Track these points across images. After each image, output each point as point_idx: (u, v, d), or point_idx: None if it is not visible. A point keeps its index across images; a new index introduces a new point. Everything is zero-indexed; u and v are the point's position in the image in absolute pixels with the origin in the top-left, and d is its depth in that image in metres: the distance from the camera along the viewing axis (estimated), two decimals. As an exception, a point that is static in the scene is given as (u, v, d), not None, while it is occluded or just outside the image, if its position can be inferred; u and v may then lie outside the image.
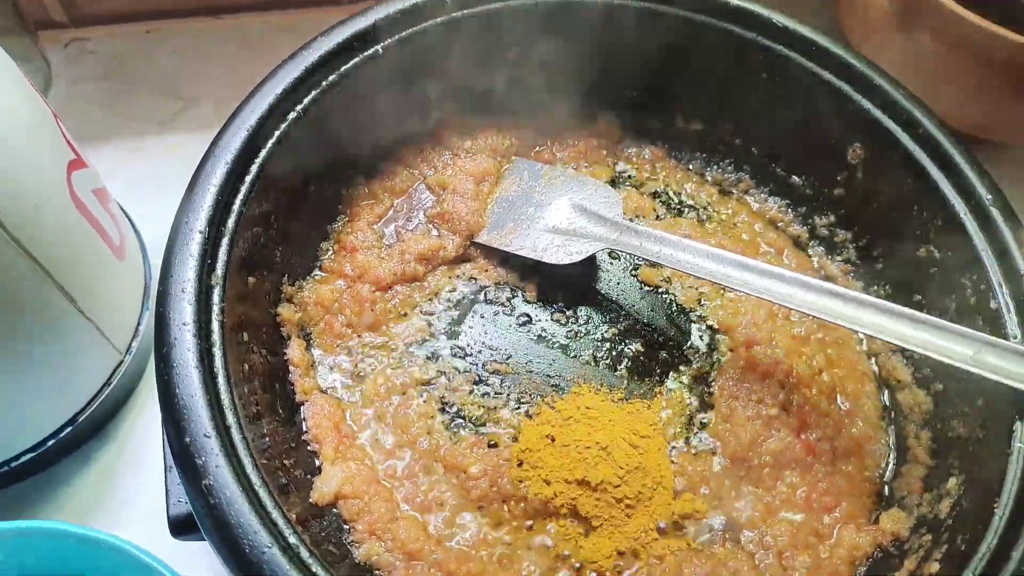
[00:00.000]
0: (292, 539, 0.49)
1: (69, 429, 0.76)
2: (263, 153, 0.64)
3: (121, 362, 0.79)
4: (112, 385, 0.78)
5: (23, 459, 0.74)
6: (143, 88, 1.09)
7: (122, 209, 0.86)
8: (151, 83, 1.09)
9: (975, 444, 0.63)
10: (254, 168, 0.63)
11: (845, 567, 0.64)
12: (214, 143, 0.62)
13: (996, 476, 0.58)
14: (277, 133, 0.65)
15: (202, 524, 0.49)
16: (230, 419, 0.52)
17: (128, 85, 1.09)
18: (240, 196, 0.61)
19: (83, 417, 0.77)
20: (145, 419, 0.84)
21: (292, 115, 0.66)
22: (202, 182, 0.60)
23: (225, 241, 0.59)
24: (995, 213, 0.67)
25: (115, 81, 1.09)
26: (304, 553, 0.49)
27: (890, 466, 0.70)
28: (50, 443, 0.75)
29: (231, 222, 0.60)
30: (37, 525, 0.61)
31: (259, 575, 0.47)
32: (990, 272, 0.65)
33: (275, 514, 0.50)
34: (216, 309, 0.56)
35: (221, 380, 0.54)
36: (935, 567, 0.57)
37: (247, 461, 0.51)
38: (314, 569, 0.49)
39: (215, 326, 0.56)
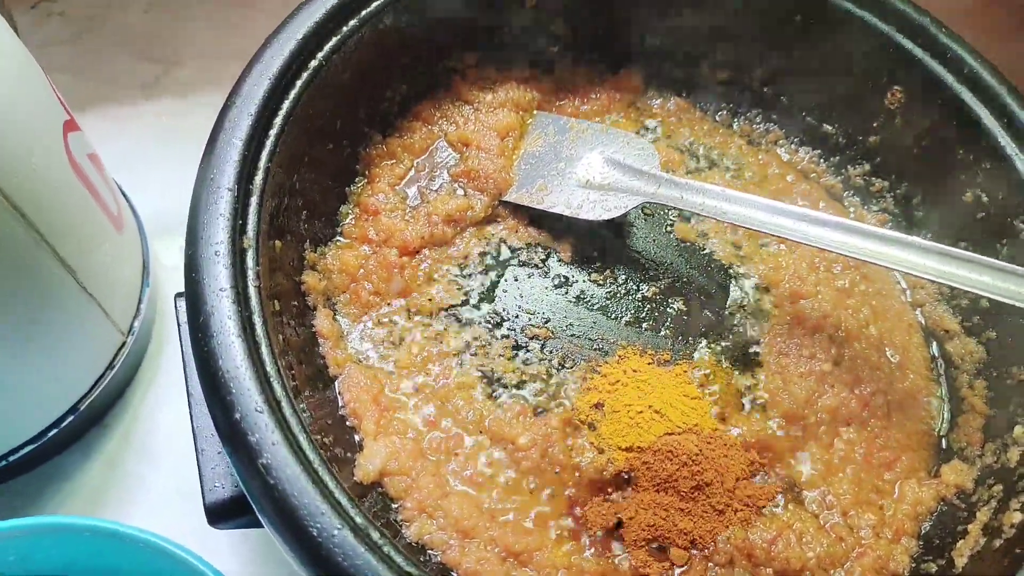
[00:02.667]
0: (360, 520, 0.45)
1: (72, 417, 0.70)
2: (286, 105, 0.58)
3: (124, 343, 0.74)
4: (115, 368, 0.73)
5: (24, 451, 0.68)
6: (118, 51, 1.01)
7: (115, 182, 0.80)
8: (126, 45, 1.02)
9: (1042, 390, 0.61)
10: (278, 121, 0.58)
11: (910, 523, 0.62)
12: (234, 93, 0.57)
13: (1072, 420, 0.56)
14: (299, 83, 0.60)
15: (260, 508, 0.45)
16: (279, 392, 0.48)
17: (102, 48, 1.01)
18: (265, 151, 0.56)
19: (86, 404, 0.71)
20: (147, 407, 0.78)
21: (313, 63, 0.61)
22: (225, 136, 0.54)
23: (254, 200, 0.54)
24: (1048, 153, 0.65)
25: (87, 44, 1.02)
26: (375, 534, 0.45)
27: (945, 418, 0.68)
28: (52, 432, 0.69)
29: (259, 179, 0.55)
30: (52, 521, 0.56)
31: (330, 560, 0.42)
32: (1045, 214, 0.64)
33: (338, 493, 0.45)
34: (252, 274, 0.51)
35: (265, 350, 0.49)
36: (1017, 517, 0.56)
37: (302, 437, 0.47)
38: (386, 550, 0.44)
39: (252, 292, 0.51)
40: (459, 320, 0.68)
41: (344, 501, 0.45)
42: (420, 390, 0.64)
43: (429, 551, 0.56)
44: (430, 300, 0.68)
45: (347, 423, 0.61)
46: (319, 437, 0.54)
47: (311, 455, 0.46)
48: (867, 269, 0.74)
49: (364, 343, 0.66)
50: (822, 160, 0.80)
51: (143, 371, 0.79)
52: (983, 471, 0.63)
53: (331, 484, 0.46)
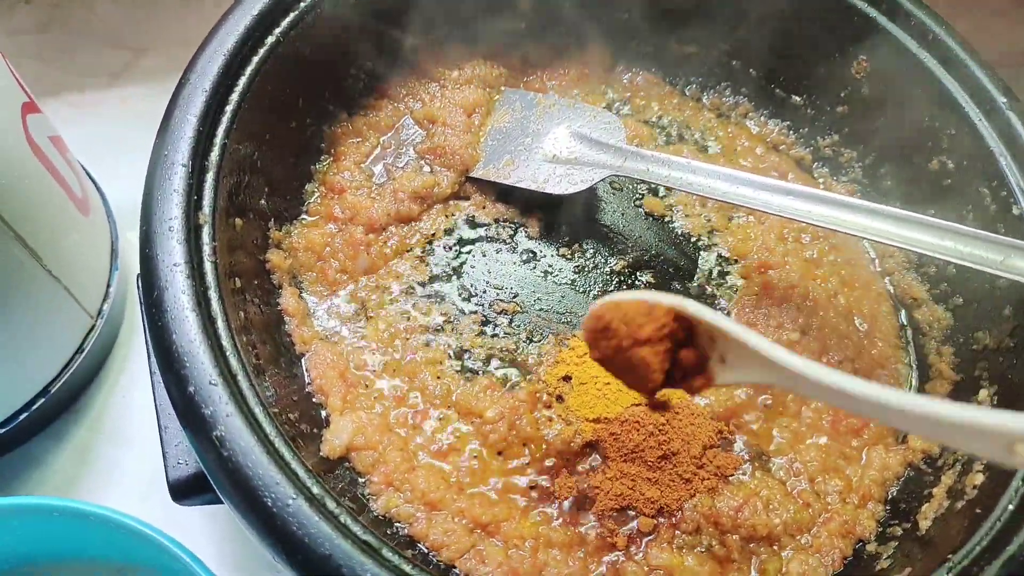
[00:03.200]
0: (316, 489, 0.45)
1: (42, 401, 0.70)
2: (242, 81, 0.58)
3: (93, 326, 0.73)
4: (85, 352, 0.72)
5: (-7, 436, 0.68)
6: (86, 40, 1.01)
7: (82, 166, 0.79)
8: (95, 34, 1.01)
9: (1005, 353, 0.61)
10: (234, 97, 0.57)
11: (877, 488, 0.62)
12: (189, 70, 0.56)
13: (1033, 381, 0.56)
14: (255, 59, 0.59)
15: (215, 480, 0.45)
16: (235, 366, 0.48)
17: (70, 37, 1.01)
18: (222, 128, 0.56)
19: (56, 387, 0.71)
20: (118, 391, 0.78)
21: (270, 39, 0.60)
22: (180, 112, 0.54)
23: (210, 176, 0.54)
24: (1012, 116, 0.65)
25: (55, 33, 1.01)
26: (331, 503, 0.45)
27: (913, 385, 0.68)
28: (22, 417, 0.69)
29: (215, 155, 0.55)
30: (19, 502, 0.56)
31: (284, 530, 0.42)
32: (1010, 178, 0.64)
33: (294, 464, 0.45)
34: (207, 250, 0.51)
35: (221, 325, 0.49)
36: (979, 478, 0.56)
37: (258, 410, 0.47)
38: (343, 519, 0.44)
39: (208, 267, 0.51)
40: (427, 296, 0.67)
41: (301, 472, 0.45)
42: (387, 366, 0.64)
43: (396, 524, 0.56)
44: (397, 277, 0.68)
45: (314, 400, 0.61)
46: (283, 413, 0.54)
47: (267, 427, 0.46)
48: (836, 239, 0.74)
49: (331, 320, 0.65)
50: (791, 132, 0.80)
51: (115, 354, 0.79)
52: (949, 435, 0.63)
53: (288, 455, 0.46)
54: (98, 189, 0.81)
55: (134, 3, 1.03)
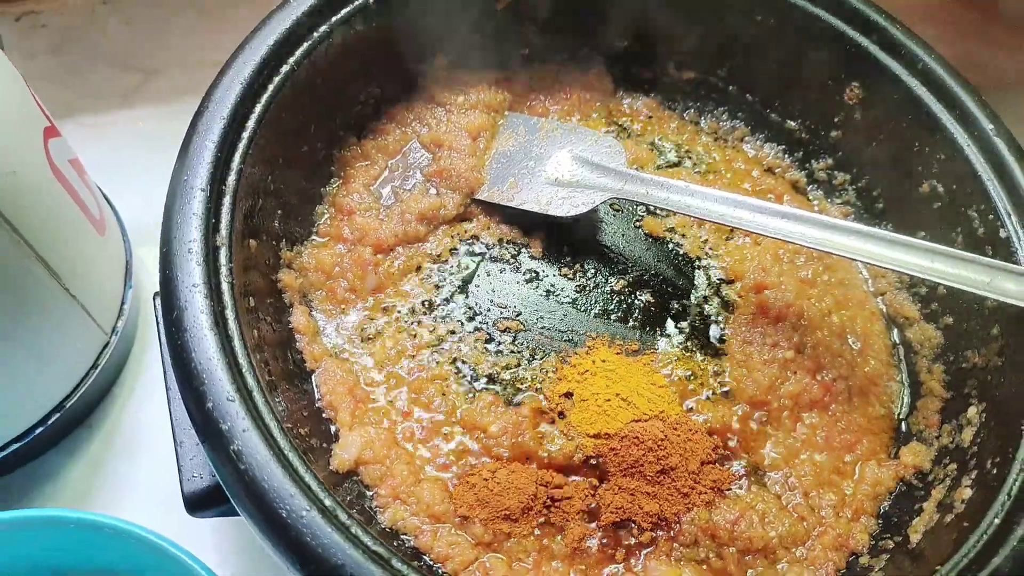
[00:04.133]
0: (328, 501, 0.47)
1: (57, 416, 0.72)
2: (258, 108, 0.61)
3: (107, 343, 0.76)
4: (99, 368, 0.74)
5: (9, 450, 0.70)
6: (100, 62, 1.04)
7: (98, 187, 0.82)
8: (107, 56, 1.04)
9: (993, 372, 0.63)
10: (250, 124, 0.60)
11: (870, 502, 0.64)
12: (207, 98, 0.59)
13: (1019, 398, 0.58)
14: (271, 87, 0.62)
15: (232, 493, 0.47)
16: (251, 383, 0.50)
17: (83, 59, 1.03)
18: (239, 153, 0.58)
19: (71, 402, 0.73)
20: (132, 405, 0.80)
21: (285, 68, 0.63)
22: (199, 138, 0.56)
23: (227, 200, 0.56)
24: (999, 143, 0.67)
25: (69, 55, 1.04)
26: (342, 515, 0.47)
27: (905, 402, 0.70)
28: (37, 431, 0.71)
29: (231, 180, 0.57)
30: (34, 514, 0.58)
31: (299, 541, 0.44)
32: (997, 202, 0.66)
33: (308, 477, 0.47)
34: (224, 271, 0.53)
35: (237, 344, 0.51)
36: (967, 492, 0.58)
37: (273, 424, 0.49)
38: (354, 531, 0.46)
39: (225, 288, 0.53)
40: (432, 315, 0.69)
41: (314, 484, 0.47)
42: (395, 382, 0.66)
43: (403, 536, 0.58)
44: (404, 296, 0.70)
45: (323, 415, 0.63)
46: (295, 428, 0.56)
47: (282, 441, 0.48)
48: (830, 260, 0.76)
49: (340, 338, 0.68)
50: (786, 155, 0.83)
51: (127, 371, 0.81)
52: (940, 452, 0.65)
53: (301, 469, 0.47)
54: (112, 209, 0.83)
55: (145, 26, 1.06)
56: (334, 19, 0.66)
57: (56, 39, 1.05)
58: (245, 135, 0.59)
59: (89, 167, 0.82)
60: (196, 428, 0.48)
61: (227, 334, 0.51)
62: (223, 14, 1.07)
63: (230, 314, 0.52)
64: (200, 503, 0.54)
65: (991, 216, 0.66)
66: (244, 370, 0.50)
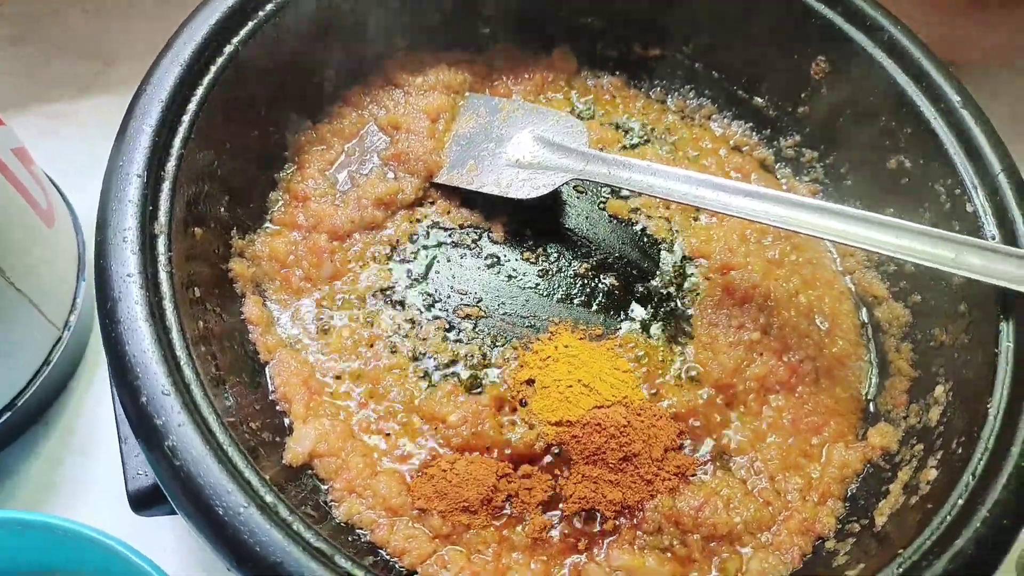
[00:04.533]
0: (269, 498, 0.45)
1: (8, 414, 0.70)
2: (199, 91, 0.58)
3: (59, 338, 0.74)
4: (51, 364, 0.73)
5: (-42, 449, 0.68)
6: (59, 51, 1.01)
7: (48, 178, 0.80)
8: (67, 45, 1.01)
9: (960, 350, 0.62)
10: (191, 107, 0.58)
11: (837, 485, 0.63)
12: (145, 81, 0.57)
13: (985, 377, 0.57)
14: (214, 69, 0.60)
15: (168, 490, 0.45)
16: (188, 375, 0.48)
17: (42, 48, 1.01)
18: (179, 138, 0.56)
19: (23, 400, 0.71)
20: (88, 402, 0.78)
21: (228, 48, 0.61)
22: (135, 123, 0.54)
23: (166, 186, 0.54)
24: (966, 115, 0.66)
25: (28, 45, 1.01)
26: (283, 511, 0.45)
27: (873, 382, 0.69)
28: (-13, 429, 0.69)
29: (171, 166, 0.55)
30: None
31: (236, 538, 0.43)
32: (964, 176, 0.65)
33: (248, 473, 0.46)
34: (163, 259, 0.52)
35: (175, 336, 0.49)
36: (932, 474, 0.57)
37: (212, 418, 0.47)
38: (295, 527, 0.45)
39: (163, 277, 0.51)
40: (391, 302, 0.68)
41: (254, 480, 0.46)
42: (351, 373, 0.64)
43: (358, 530, 0.57)
44: (361, 284, 0.68)
45: (277, 408, 0.61)
46: (244, 423, 0.55)
47: (221, 436, 0.46)
48: (798, 239, 0.74)
49: (295, 328, 0.66)
50: (754, 133, 0.81)
51: (84, 365, 0.79)
52: (907, 432, 0.64)
53: (241, 464, 0.46)
54: (65, 200, 0.81)
55: (105, 14, 1.04)
56: (280, -1, 0.64)
57: (15, 29, 1.02)
58: (186, 118, 0.57)
59: (47, 158, 0.80)
60: (131, 423, 0.46)
61: (164, 326, 0.49)
62: (183, 1, 1.05)
63: (168, 305, 0.50)
64: (145, 501, 0.52)
65: (958, 191, 0.64)
66: (182, 363, 0.48)
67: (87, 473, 0.74)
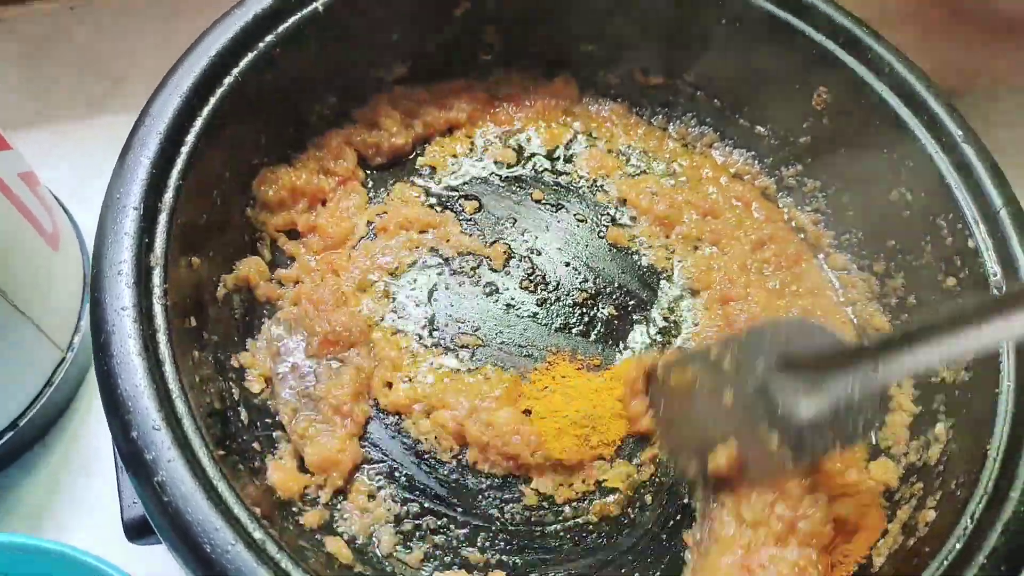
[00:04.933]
0: (258, 535, 0.45)
1: (11, 434, 0.70)
2: (199, 121, 0.59)
3: (63, 359, 0.74)
4: (54, 385, 0.73)
5: (-41, 470, 0.69)
6: (67, 69, 1.02)
7: (55, 197, 0.80)
8: (75, 63, 1.02)
9: (961, 388, 0.61)
10: (190, 138, 0.58)
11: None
12: (144, 112, 0.57)
13: (986, 416, 0.56)
14: (213, 100, 0.60)
15: (157, 525, 0.45)
16: (181, 409, 0.48)
17: (51, 67, 1.02)
18: (176, 169, 0.56)
19: (25, 420, 0.71)
20: (91, 422, 0.78)
21: (229, 79, 0.61)
22: (133, 154, 0.55)
23: (163, 218, 0.54)
24: (967, 150, 0.65)
25: (36, 63, 1.02)
26: (271, 548, 0.45)
27: (874, 416, 0.68)
28: (-10, 451, 0.70)
29: (168, 197, 0.55)
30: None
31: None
32: (965, 210, 0.64)
33: (237, 509, 0.46)
34: (158, 292, 0.52)
35: (168, 368, 0.49)
36: (931, 515, 0.56)
37: (202, 453, 0.47)
38: (283, 565, 0.45)
39: (158, 310, 0.51)
40: (389, 330, 0.68)
41: (243, 516, 0.46)
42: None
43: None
44: (360, 311, 0.68)
45: (273, 436, 0.61)
46: (237, 443, 0.55)
47: (211, 471, 0.46)
48: (799, 269, 0.74)
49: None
50: (756, 162, 0.81)
51: (86, 387, 0.80)
52: (907, 469, 0.63)
53: (230, 500, 0.46)
54: (72, 221, 0.82)
55: (113, 33, 1.05)
56: (280, 29, 0.64)
57: (24, 47, 1.04)
58: (184, 150, 0.57)
59: (54, 177, 0.80)
60: (122, 457, 0.47)
61: (157, 359, 0.49)
62: (192, 22, 1.05)
63: (162, 338, 0.50)
64: (140, 531, 0.52)
65: (959, 225, 0.64)
66: (175, 397, 0.48)
67: (85, 496, 0.75)
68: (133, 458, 0.46)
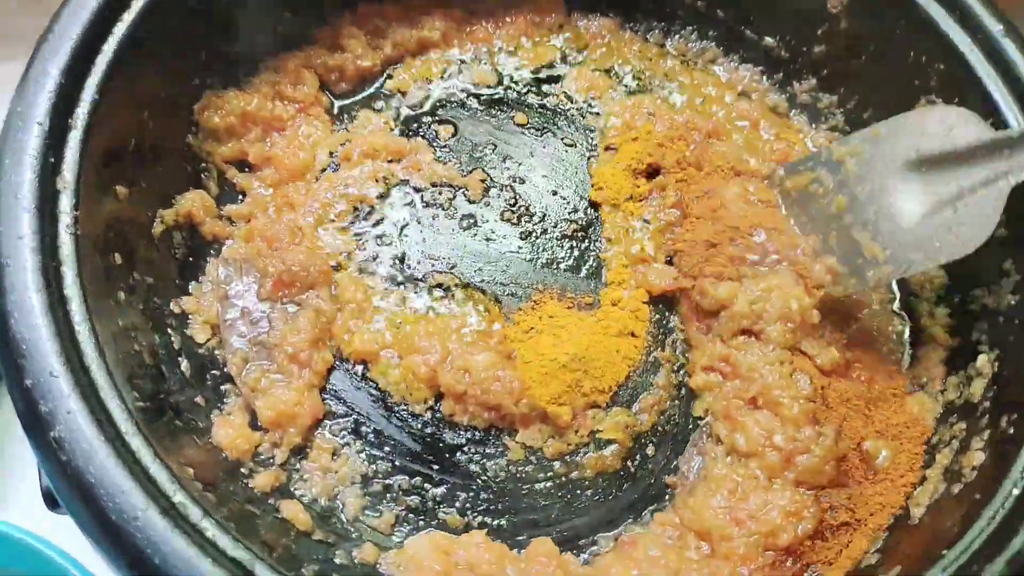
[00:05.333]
0: (178, 497, 0.38)
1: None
2: (120, 27, 0.51)
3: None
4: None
5: None
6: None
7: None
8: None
9: (1006, 313, 0.54)
10: (110, 47, 0.50)
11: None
12: (56, 15, 0.49)
13: (1040, 343, 0.49)
14: (138, 4, 0.52)
15: (56, 488, 0.38)
16: (89, 354, 0.40)
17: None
18: (93, 80, 0.48)
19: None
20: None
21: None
22: (40, 62, 0.47)
23: (74, 136, 0.46)
24: (1007, 46, 0.57)
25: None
26: (194, 514, 0.37)
27: (906, 352, 0.61)
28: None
29: (81, 112, 0.47)
30: None
31: (133, 547, 0.35)
32: (1008, 115, 0.56)
33: (154, 469, 0.38)
34: (66, 219, 0.44)
35: (76, 307, 0.42)
36: (978, 457, 0.49)
37: (114, 405, 0.39)
38: (208, 534, 0.37)
39: (64, 240, 0.43)
40: (356, 269, 0.60)
41: (161, 477, 0.38)
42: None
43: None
44: (323, 248, 0.60)
45: (221, 389, 0.54)
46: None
47: (124, 426, 0.39)
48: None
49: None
50: (764, 77, 0.72)
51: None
52: (945, 408, 0.56)
53: (146, 458, 0.38)
54: None
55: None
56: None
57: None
58: (103, 59, 0.49)
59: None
60: (16, 410, 0.39)
61: (62, 296, 0.41)
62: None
63: (68, 271, 0.42)
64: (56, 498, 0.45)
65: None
66: (82, 340, 0.41)
67: (8, 467, 0.68)
68: (28, 409, 0.38)
